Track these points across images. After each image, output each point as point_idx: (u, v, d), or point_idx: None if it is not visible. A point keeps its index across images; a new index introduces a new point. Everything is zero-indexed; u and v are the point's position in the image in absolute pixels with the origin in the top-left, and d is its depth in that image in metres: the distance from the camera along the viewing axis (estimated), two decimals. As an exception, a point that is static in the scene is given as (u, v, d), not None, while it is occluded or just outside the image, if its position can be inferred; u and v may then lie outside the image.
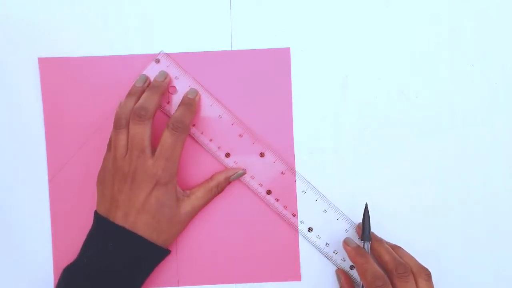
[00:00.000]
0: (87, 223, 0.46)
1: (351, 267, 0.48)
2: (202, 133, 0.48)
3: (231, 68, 0.49)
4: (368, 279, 0.42)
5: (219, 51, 0.49)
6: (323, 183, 0.49)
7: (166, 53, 0.48)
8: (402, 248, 0.47)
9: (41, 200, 0.48)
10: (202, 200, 0.47)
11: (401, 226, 0.49)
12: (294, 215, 0.48)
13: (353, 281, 0.47)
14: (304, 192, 0.48)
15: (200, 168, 0.48)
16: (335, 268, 0.48)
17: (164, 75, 0.47)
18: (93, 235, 0.45)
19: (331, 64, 0.49)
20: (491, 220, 0.49)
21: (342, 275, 0.47)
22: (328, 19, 0.49)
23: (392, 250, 0.45)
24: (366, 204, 0.47)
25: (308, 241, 0.48)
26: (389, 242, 0.47)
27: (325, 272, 0.49)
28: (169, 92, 0.48)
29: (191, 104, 0.47)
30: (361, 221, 0.47)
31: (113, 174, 0.44)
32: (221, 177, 0.47)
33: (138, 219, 0.44)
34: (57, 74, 0.49)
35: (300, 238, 0.48)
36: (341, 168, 0.49)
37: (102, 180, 0.45)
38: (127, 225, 0.44)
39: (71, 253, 0.45)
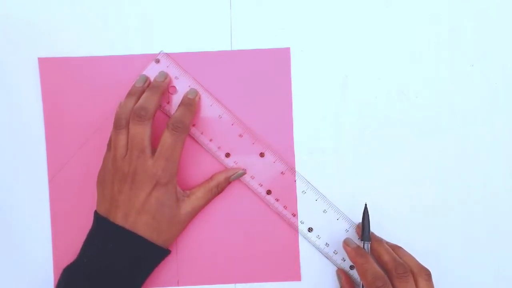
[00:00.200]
0: (87, 223, 0.46)
1: (351, 267, 0.48)
2: (202, 133, 0.48)
3: (231, 68, 0.49)
4: (369, 279, 0.42)
5: (219, 51, 0.49)
6: (323, 183, 0.49)
7: (166, 53, 0.48)
8: (402, 248, 0.47)
9: (41, 200, 0.48)
10: (202, 200, 0.47)
11: (401, 226, 0.49)
12: (294, 215, 0.48)
13: (353, 281, 0.47)
14: (304, 192, 0.48)
15: (200, 168, 0.48)
16: (335, 268, 0.48)
17: (164, 76, 0.47)
18: (93, 235, 0.45)
19: (331, 64, 0.49)
20: (491, 220, 0.49)
21: (342, 275, 0.47)
22: (328, 19, 0.49)
23: (391, 251, 0.45)
24: (366, 204, 0.47)
25: (308, 241, 0.48)
26: (389, 242, 0.47)
27: (325, 272, 0.49)
28: (169, 92, 0.48)
29: (191, 104, 0.47)
30: (361, 221, 0.47)
31: (113, 174, 0.44)
32: (221, 177, 0.47)
33: (138, 219, 0.44)
34: (57, 74, 0.49)
35: (300, 238, 0.48)
36: (341, 168, 0.49)
37: (102, 180, 0.45)
38: (127, 225, 0.44)
39: (71, 253, 0.45)
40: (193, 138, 0.48)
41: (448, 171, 0.49)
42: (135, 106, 0.44)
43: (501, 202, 0.49)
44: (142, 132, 0.44)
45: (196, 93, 0.47)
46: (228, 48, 0.49)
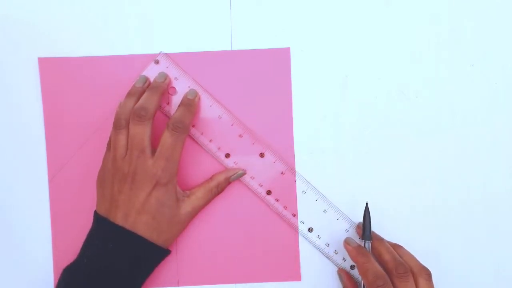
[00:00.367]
0: (87, 223, 0.46)
1: (352, 267, 0.48)
2: (202, 134, 0.48)
3: (231, 68, 0.49)
4: (370, 278, 0.42)
5: (219, 51, 0.49)
6: (323, 183, 0.49)
7: (165, 54, 0.48)
8: (402, 247, 0.47)
9: (41, 200, 0.48)
10: (202, 201, 0.47)
11: (401, 226, 0.49)
12: (294, 215, 0.48)
13: (355, 280, 0.47)
14: (304, 192, 0.48)
15: (200, 168, 0.48)
16: (335, 268, 0.48)
17: (164, 76, 0.47)
18: (93, 235, 0.45)
19: (331, 64, 0.49)
20: (491, 220, 0.49)
21: (344, 274, 0.47)
22: (328, 19, 0.49)
23: (392, 250, 0.45)
24: (367, 204, 0.47)
25: (308, 241, 0.48)
26: (390, 241, 0.47)
27: (325, 272, 0.49)
28: (168, 93, 0.48)
29: (190, 104, 0.47)
30: (361, 221, 0.47)
31: (113, 174, 0.44)
32: (221, 178, 0.47)
33: (138, 219, 0.44)
34: (57, 74, 0.49)
35: (300, 238, 0.48)
36: (341, 168, 0.49)
37: (102, 180, 0.45)
38: (127, 225, 0.44)
39: (71, 253, 0.45)
40: (193, 138, 0.48)
41: (448, 171, 0.49)
42: (135, 106, 0.44)
43: (501, 202, 0.49)
44: (142, 132, 0.44)
45: (195, 93, 0.47)
46: (228, 48, 0.49)
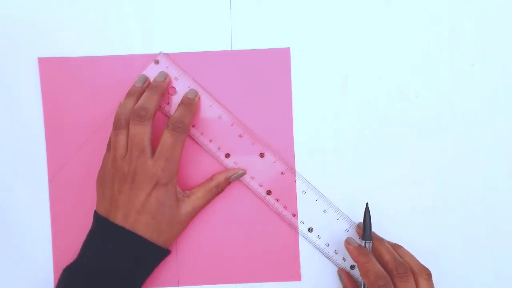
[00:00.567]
0: (87, 223, 0.46)
1: (352, 267, 0.48)
2: (202, 134, 0.48)
3: (231, 68, 0.49)
4: (371, 278, 0.42)
5: (219, 51, 0.49)
6: (323, 183, 0.49)
7: (165, 54, 0.48)
8: (402, 247, 0.47)
9: (41, 200, 0.48)
10: (202, 201, 0.47)
11: (401, 226, 0.49)
12: (294, 215, 0.48)
13: (355, 280, 0.47)
14: (304, 192, 0.48)
15: (200, 168, 0.48)
16: (335, 268, 0.48)
17: (164, 76, 0.47)
18: (93, 235, 0.45)
19: (331, 64, 0.49)
20: (491, 220, 0.49)
21: (344, 274, 0.47)
22: (328, 19, 0.49)
23: (392, 250, 0.45)
24: (367, 204, 0.47)
25: (308, 241, 0.48)
26: (390, 241, 0.47)
27: (325, 272, 0.49)
28: (168, 93, 0.48)
29: (190, 104, 0.47)
30: (361, 221, 0.47)
31: (113, 174, 0.44)
32: (221, 178, 0.47)
33: (138, 219, 0.44)
34: (57, 74, 0.49)
35: (300, 238, 0.48)
36: (341, 168, 0.49)
37: (101, 181, 0.45)
38: (127, 225, 0.44)
39: (71, 253, 0.45)
40: (193, 138, 0.48)
41: (448, 171, 0.49)
42: (135, 106, 0.44)
43: (501, 202, 0.49)
44: (142, 132, 0.44)
45: (195, 93, 0.47)
46: (228, 48, 0.49)
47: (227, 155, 0.48)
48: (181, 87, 0.48)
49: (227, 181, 0.47)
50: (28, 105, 0.49)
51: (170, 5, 0.49)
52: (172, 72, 0.48)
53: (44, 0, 0.49)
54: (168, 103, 0.48)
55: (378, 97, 0.49)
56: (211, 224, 0.49)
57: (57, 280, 0.45)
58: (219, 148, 0.48)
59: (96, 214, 0.45)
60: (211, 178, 0.47)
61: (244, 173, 0.48)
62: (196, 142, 0.48)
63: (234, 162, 0.48)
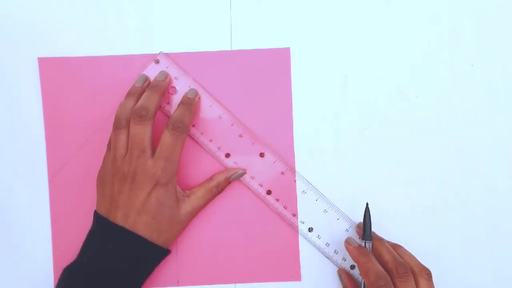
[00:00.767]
0: (87, 223, 0.46)
1: (352, 267, 0.48)
2: (202, 134, 0.48)
3: (231, 68, 0.49)
4: (371, 278, 0.42)
5: (219, 51, 0.49)
6: (323, 183, 0.49)
7: (165, 54, 0.48)
8: (402, 247, 0.47)
9: (41, 200, 0.48)
10: (202, 200, 0.47)
11: (401, 226, 0.49)
12: (294, 215, 0.48)
13: (355, 280, 0.47)
14: (304, 192, 0.48)
15: (200, 168, 0.48)
16: (335, 268, 0.48)
17: (165, 75, 0.47)
18: (93, 235, 0.45)
19: (331, 64, 0.49)
20: (491, 220, 0.49)
21: (344, 274, 0.47)
22: (328, 19, 0.49)
23: (392, 250, 0.45)
24: (367, 204, 0.47)
25: (308, 241, 0.48)
26: (390, 241, 0.47)
27: (325, 272, 0.49)
28: (168, 92, 0.48)
29: (190, 104, 0.47)
30: (361, 221, 0.47)
31: (113, 174, 0.44)
32: (221, 177, 0.47)
33: (138, 219, 0.44)
34: (57, 74, 0.49)
35: (300, 238, 0.48)
36: (341, 168, 0.49)
37: (102, 180, 0.45)
38: (127, 225, 0.44)
39: (71, 253, 0.45)
40: (193, 138, 0.48)
41: (448, 171, 0.49)
42: (136, 106, 0.44)
43: (501, 202, 0.49)
44: (143, 132, 0.44)
45: (195, 93, 0.47)
46: (228, 48, 0.49)
47: (227, 155, 0.48)
48: (181, 86, 0.48)
49: (227, 181, 0.47)
50: (28, 105, 0.49)
51: (170, 5, 0.49)
52: (172, 72, 0.48)
53: (44, 0, 0.49)
54: (168, 103, 0.48)
55: (378, 97, 0.49)
56: (211, 224, 0.49)
57: (57, 280, 0.45)
58: (219, 148, 0.48)
59: (96, 214, 0.45)
60: (211, 178, 0.47)
61: (244, 173, 0.48)
62: (196, 142, 0.48)
63: (234, 162, 0.48)
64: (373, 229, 0.47)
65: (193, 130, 0.48)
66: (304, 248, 0.48)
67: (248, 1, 0.49)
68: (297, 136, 0.49)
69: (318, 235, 0.48)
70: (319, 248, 0.48)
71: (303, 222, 0.48)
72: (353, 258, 0.46)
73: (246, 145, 0.48)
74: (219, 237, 0.49)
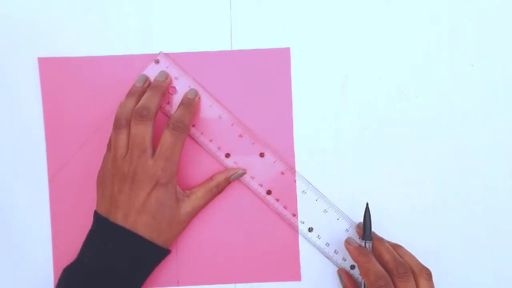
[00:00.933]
0: (87, 223, 0.46)
1: (352, 267, 0.48)
2: (202, 134, 0.48)
3: (231, 68, 0.49)
4: (371, 278, 0.42)
5: (219, 51, 0.49)
6: (323, 183, 0.49)
7: (165, 54, 0.48)
8: (402, 247, 0.47)
9: (41, 200, 0.48)
10: (202, 200, 0.47)
11: (401, 226, 0.49)
12: (294, 215, 0.48)
13: (355, 280, 0.47)
14: (304, 192, 0.48)
15: (200, 168, 0.48)
16: (335, 268, 0.48)
17: (165, 75, 0.47)
18: (93, 235, 0.45)
19: (331, 64, 0.49)
20: (491, 220, 0.49)
21: (344, 274, 0.47)
22: (328, 19, 0.49)
23: (392, 250, 0.45)
24: (367, 204, 0.47)
25: (308, 241, 0.48)
26: (390, 241, 0.47)
27: (325, 272, 0.49)
28: (169, 92, 0.48)
29: (190, 104, 0.47)
30: (361, 221, 0.47)
31: (113, 174, 0.44)
32: (221, 177, 0.47)
33: (138, 219, 0.44)
34: (57, 74, 0.49)
35: (300, 238, 0.48)
36: (341, 168, 0.49)
37: (102, 180, 0.45)
38: (127, 225, 0.44)
39: (71, 253, 0.45)
40: (193, 138, 0.48)
41: (448, 171, 0.49)
42: (137, 106, 0.44)
43: (501, 202, 0.49)
44: (143, 131, 0.44)
45: (195, 93, 0.47)
46: (228, 48, 0.49)
47: (227, 155, 0.48)
48: (182, 86, 0.48)
49: (227, 181, 0.47)
50: (28, 105, 0.49)
51: (170, 5, 0.49)
52: (173, 72, 0.48)
53: (44, 0, 0.49)
54: (168, 103, 0.48)
55: (378, 97, 0.49)
56: (211, 224, 0.49)
57: (57, 280, 0.45)
58: (219, 148, 0.48)
59: (96, 214, 0.45)
60: (211, 178, 0.47)
61: (244, 173, 0.48)
62: (196, 142, 0.48)
63: (234, 162, 0.48)
64: (373, 229, 0.47)
65: (193, 130, 0.48)
66: (304, 248, 0.48)
67: (248, 1, 0.49)
68: (297, 136, 0.49)
69: (318, 235, 0.48)
70: (319, 248, 0.48)
71: (303, 222, 0.48)
72: (353, 258, 0.46)
73: (246, 145, 0.48)
74: (219, 237, 0.49)
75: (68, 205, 0.48)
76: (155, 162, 0.44)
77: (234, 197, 0.49)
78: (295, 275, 0.48)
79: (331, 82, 0.49)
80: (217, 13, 0.49)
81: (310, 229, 0.48)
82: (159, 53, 0.48)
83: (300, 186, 0.48)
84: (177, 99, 0.48)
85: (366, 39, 0.49)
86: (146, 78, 0.47)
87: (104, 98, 0.48)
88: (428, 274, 0.44)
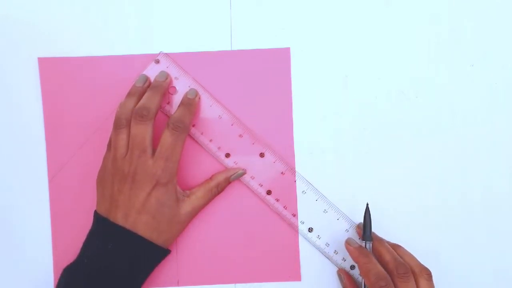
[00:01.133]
0: (87, 223, 0.46)
1: (352, 267, 0.48)
2: (202, 134, 0.48)
3: (231, 68, 0.49)
4: (372, 279, 0.42)
5: (219, 51, 0.49)
6: (323, 183, 0.49)
7: (165, 54, 0.48)
8: (402, 248, 0.47)
9: (41, 200, 0.48)
10: (202, 200, 0.47)
11: (401, 226, 0.49)
12: (294, 215, 0.48)
13: (355, 280, 0.47)
14: (304, 192, 0.48)
15: (200, 168, 0.48)
16: (335, 268, 0.48)
17: (165, 75, 0.47)
18: (93, 235, 0.45)
19: (331, 64, 0.49)
20: (491, 220, 0.49)
21: (344, 275, 0.47)
22: (328, 19, 0.49)
23: (392, 250, 0.45)
24: (367, 204, 0.47)
25: (308, 241, 0.48)
26: (390, 242, 0.47)
27: (325, 272, 0.49)
28: (169, 92, 0.48)
29: (190, 104, 0.47)
30: (361, 221, 0.47)
31: (113, 174, 0.44)
32: (221, 177, 0.47)
33: (138, 219, 0.44)
34: (57, 74, 0.49)
35: (300, 238, 0.48)
36: (341, 168, 0.49)
37: (102, 180, 0.45)
38: (127, 225, 0.44)
39: (71, 253, 0.45)
40: (193, 138, 0.48)
41: (448, 171, 0.49)
42: (137, 106, 0.44)
43: (501, 202, 0.49)
44: (144, 131, 0.44)
45: (195, 93, 0.47)
46: (228, 48, 0.49)
47: (227, 155, 0.48)
48: (182, 86, 0.48)
49: (227, 181, 0.47)
50: (28, 105, 0.49)
51: (170, 5, 0.49)
52: (173, 72, 0.48)
53: (44, 0, 0.49)
54: (168, 103, 0.48)
55: (378, 97, 0.49)
56: (211, 224, 0.49)
57: (57, 280, 0.45)
58: (219, 148, 0.48)
59: (96, 214, 0.45)
60: (211, 178, 0.47)
61: (244, 173, 0.48)
62: (196, 142, 0.48)
63: (234, 162, 0.48)
64: (373, 229, 0.47)
65: (193, 130, 0.48)
66: (304, 248, 0.48)
67: (248, 1, 0.49)
68: (297, 136, 0.49)
69: (318, 235, 0.48)
70: (319, 248, 0.48)
71: (303, 222, 0.48)
72: (354, 259, 0.46)
73: (246, 145, 0.48)
74: (219, 237, 0.49)
75: (68, 205, 0.48)
76: (155, 162, 0.44)
77: (234, 197, 0.49)
78: (295, 275, 0.48)
79: (331, 82, 0.49)
80: (217, 13, 0.49)
81: (310, 229, 0.48)
82: (159, 53, 0.48)
83: (300, 186, 0.48)
84: (177, 99, 0.48)
85: (366, 39, 0.49)
86: (146, 78, 0.47)
87: (104, 98, 0.48)
88: (428, 274, 0.44)
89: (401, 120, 0.49)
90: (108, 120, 0.48)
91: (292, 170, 0.48)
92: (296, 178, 0.48)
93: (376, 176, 0.49)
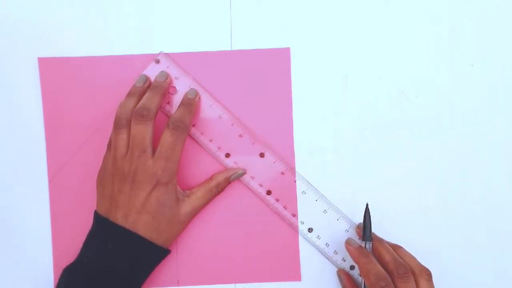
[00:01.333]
0: (87, 223, 0.46)
1: (351, 267, 0.48)
2: (202, 134, 0.48)
3: (231, 68, 0.49)
4: (372, 279, 0.42)
5: (219, 51, 0.49)
6: (323, 183, 0.49)
7: (165, 53, 0.48)
8: (402, 248, 0.47)
9: (41, 200, 0.48)
10: (202, 200, 0.47)
11: (401, 226, 0.49)
12: (294, 215, 0.48)
13: (355, 280, 0.47)
14: (304, 192, 0.48)
15: (200, 168, 0.48)
16: (335, 268, 0.48)
17: (165, 75, 0.47)
18: (93, 235, 0.45)
19: (331, 64, 0.49)
20: (491, 220, 0.49)
21: (343, 275, 0.47)
22: (328, 19, 0.49)
23: (392, 251, 0.45)
24: (367, 205, 0.47)
25: (308, 241, 0.48)
26: (390, 242, 0.47)
27: (325, 272, 0.49)
28: (169, 92, 0.48)
29: (191, 104, 0.47)
30: (361, 221, 0.47)
31: (113, 174, 0.44)
32: (221, 177, 0.47)
33: (138, 219, 0.44)
34: (57, 74, 0.49)
35: (300, 238, 0.48)
36: (341, 168, 0.49)
37: (102, 180, 0.45)
38: (127, 225, 0.44)
39: (71, 253, 0.45)
40: (193, 138, 0.48)
41: (448, 171, 0.49)
42: (138, 106, 0.44)
43: (501, 202, 0.49)
44: (144, 131, 0.44)
45: (196, 93, 0.47)
46: (228, 48, 0.49)
47: (227, 155, 0.48)
48: (182, 86, 0.48)
49: (227, 181, 0.47)
50: (28, 105, 0.49)
51: (170, 5, 0.49)
52: (173, 72, 0.48)
53: (44, 0, 0.49)
54: (168, 103, 0.48)
55: (378, 97, 0.49)
56: (211, 224, 0.49)
57: (57, 280, 0.45)
58: (219, 148, 0.48)
59: (96, 214, 0.45)
60: (211, 178, 0.47)
61: (244, 173, 0.48)
62: (196, 142, 0.48)
63: (234, 162, 0.48)
64: (373, 229, 0.47)
65: (193, 130, 0.48)
66: (304, 248, 0.48)
67: (248, 1, 0.49)
68: (297, 136, 0.49)
69: (318, 236, 0.48)
70: (319, 249, 0.48)
71: (303, 222, 0.48)
72: (354, 259, 0.46)
73: (246, 145, 0.48)
74: (219, 237, 0.49)
75: (68, 205, 0.48)
76: (155, 162, 0.44)
77: (234, 197, 0.49)
78: (295, 275, 0.48)
79: (331, 82, 0.49)
80: (217, 13, 0.49)
81: (310, 230, 0.48)
82: (159, 53, 0.48)
83: (300, 186, 0.48)
84: (177, 99, 0.48)
85: (366, 39, 0.49)
86: (146, 78, 0.47)
87: (104, 98, 0.48)
88: (428, 274, 0.44)
89: (401, 120, 0.49)
90: (108, 120, 0.48)
91: (292, 170, 0.48)
92: (296, 178, 0.48)
93: (376, 176, 0.49)
